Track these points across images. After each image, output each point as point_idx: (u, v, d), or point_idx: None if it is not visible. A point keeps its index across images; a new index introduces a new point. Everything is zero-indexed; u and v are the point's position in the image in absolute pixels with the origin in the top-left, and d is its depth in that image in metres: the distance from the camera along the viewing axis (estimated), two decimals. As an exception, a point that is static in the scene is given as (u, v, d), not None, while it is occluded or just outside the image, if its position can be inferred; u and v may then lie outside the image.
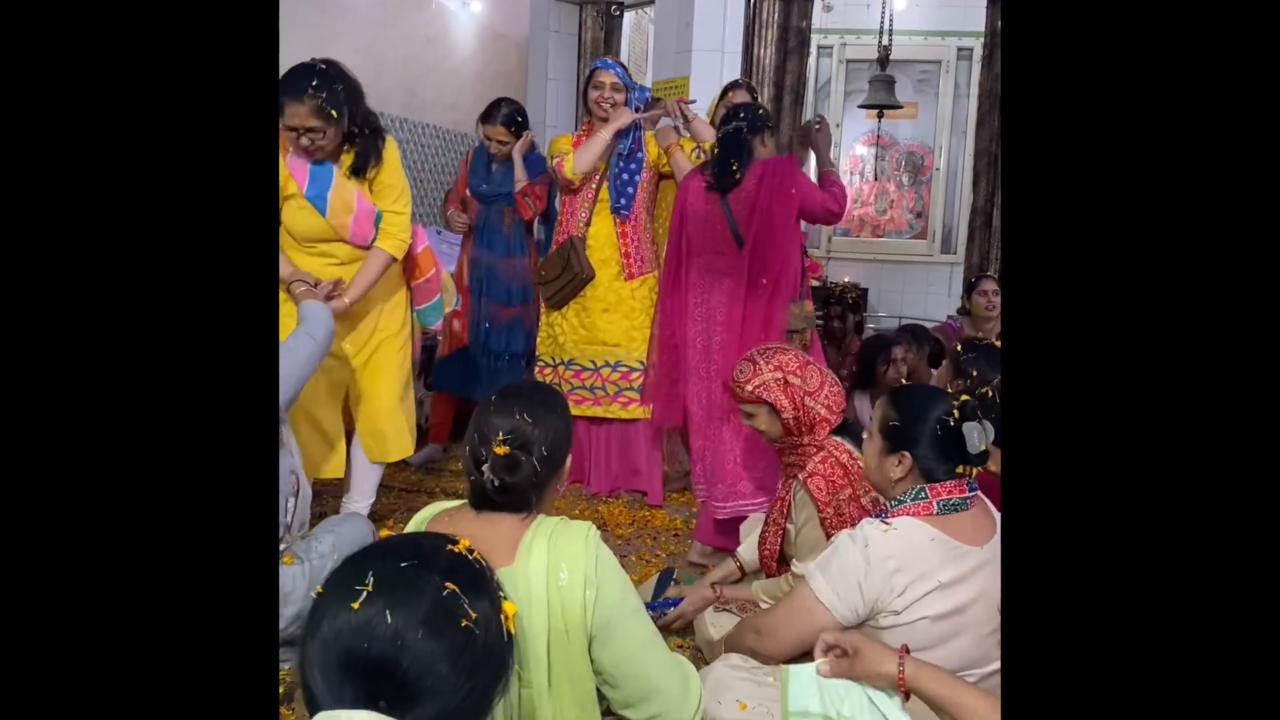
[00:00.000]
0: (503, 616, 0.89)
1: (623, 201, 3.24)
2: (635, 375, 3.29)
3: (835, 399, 2.10)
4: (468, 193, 3.68)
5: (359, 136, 2.43)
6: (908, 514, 1.58)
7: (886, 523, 1.57)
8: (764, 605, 2.00)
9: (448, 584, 0.86)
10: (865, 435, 1.78)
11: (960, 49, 6.09)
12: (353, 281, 2.49)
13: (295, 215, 2.44)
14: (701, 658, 2.15)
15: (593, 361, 3.31)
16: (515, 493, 1.38)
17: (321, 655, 0.82)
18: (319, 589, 0.89)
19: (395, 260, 2.54)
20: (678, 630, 2.32)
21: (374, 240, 2.51)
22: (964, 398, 1.68)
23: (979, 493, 1.64)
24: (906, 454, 1.63)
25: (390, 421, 2.69)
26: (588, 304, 3.28)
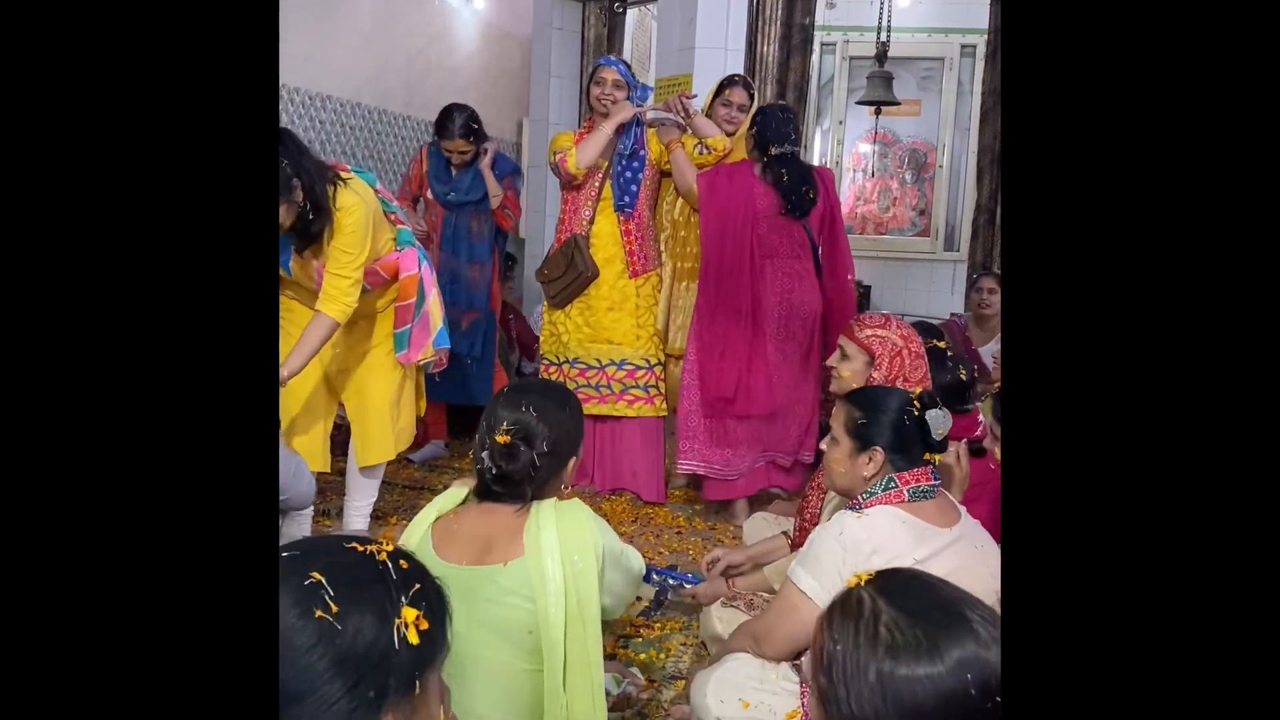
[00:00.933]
0: (399, 624, 0.84)
1: (626, 199, 3.24)
2: (641, 373, 3.30)
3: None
4: (429, 195, 3.58)
5: (309, 213, 2.26)
6: (880, 503, 1.63)
7: (860, 512, 1.62)
8: (777, 588, 2.01)
9: (315, 574, 0.83)
10: (824, 445, 1.80)
11: (964, 46, 6.08)
12: (293, 350, 2.34)
13: None
14: (706, 653, 2.16)
15: (598, 360, 3.31)
16: (511, 483, 1.43)
17: None
18: None
19: (338, 325, 2.39)
20: (683, 623, 2.33)
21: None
22: (918, 390, 1.76)
23: (941, 483, 1.72)
24: (878, 449, 1.67)
25: (376, 424, 2.68)
26: (592, 302, 3.28)
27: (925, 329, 3.88)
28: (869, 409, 1.71)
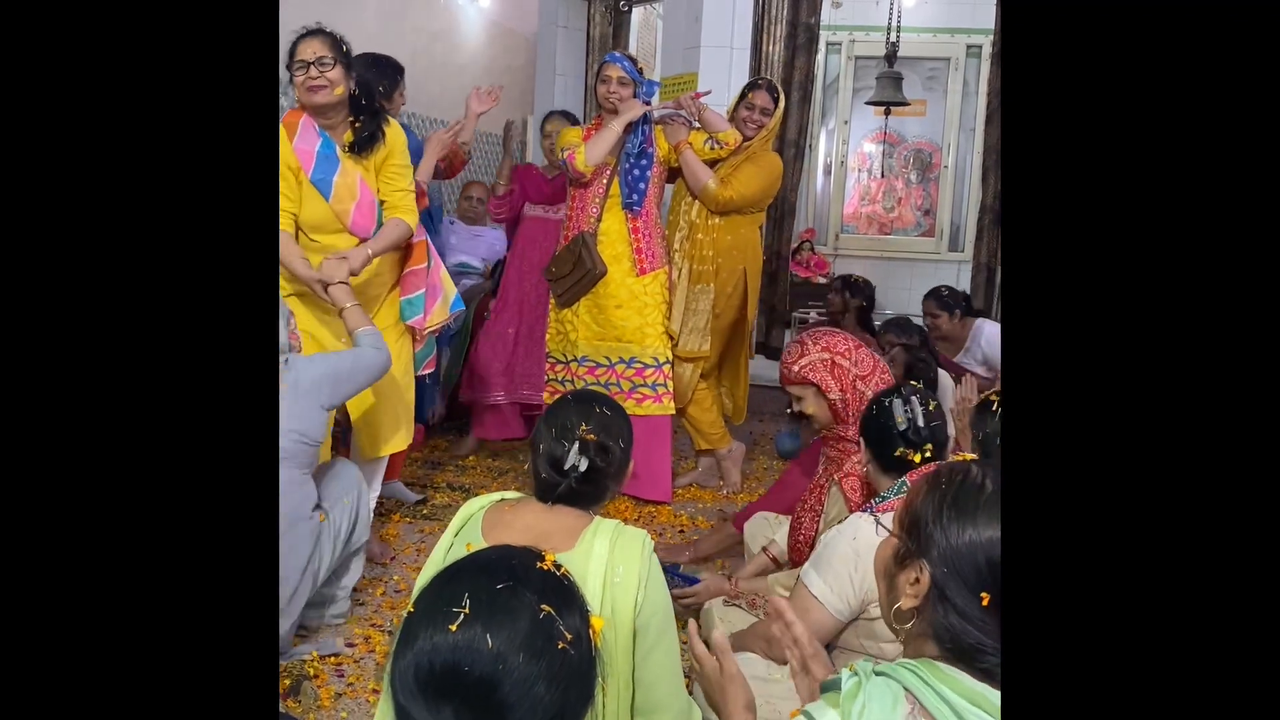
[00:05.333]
0: (590, 631, 0.90)
1: (635, 197, 3.23)
2: (650, 371, 3.29)
3: (885, 386, 2.09)
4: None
5: (361, 109, 2.47)
6: (893, 507, 1.60)
7: (874, 516, 1.59)
8: (778, 598, 2.00)
9: (544, 605, 0.87)
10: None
11: (969, 46, 6.07)
12: (374, 238, 2.51)
13: (303, 199, 2.46)
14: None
15: (606, 358, 3.30)
16: (598, 481, 1.43)
17: (417, 674, 0.83)
18: (410, 607, 0.89)
19: (412, 232, 2.60)
20: (684, 621, 2.32)
21: (375, 230, 2.54)
22: (915, 384, 1.79)
23: None
24: (861, 441, 1.73)
25: (386, 414, 2.67)
26: (600, 300, 3.27)
27: (900, 325, 3.88)
28: (869, 407, 1.75)
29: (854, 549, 1.57)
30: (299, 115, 2.46)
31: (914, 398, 1.70)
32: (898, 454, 1.67)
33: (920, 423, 1.68)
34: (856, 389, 2.06)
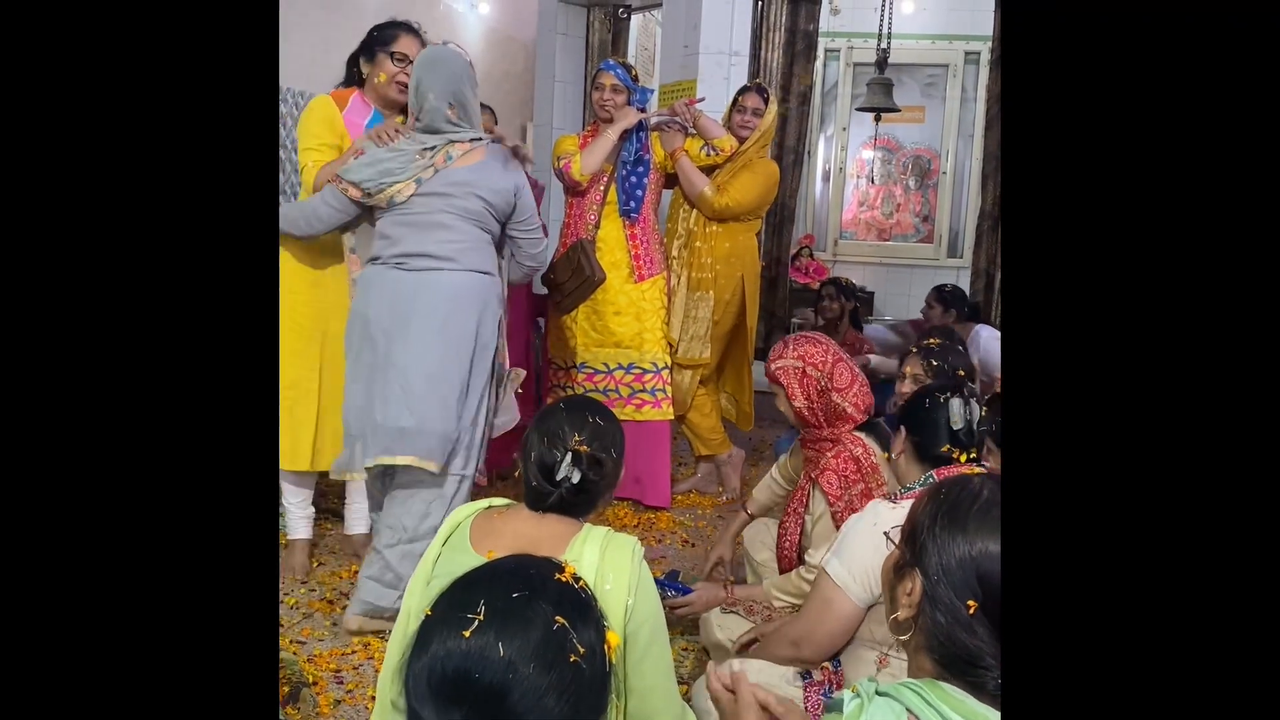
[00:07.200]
0: (606, 646, 0.90)
1: (632, 204, 3.24)
2: (649, 377, 3.29)
3: (864, 399, 2.10)
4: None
5: None
6: (916, 498, 1.60)
7: (895, 503, 1.59)
8: (777, 603, 2.00)
9: (558, 617, 0.86)
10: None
11: (968, 53, 6.08)
12: None
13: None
14: (708, 659, 2.15)
15: (605, 364, 3.30)
16: (591, 493, 1.42)
17: (429, 678, 0.83)
18: (428, 611, 0.89)
19: None
20: (683, 627, 2.32)
21: None
22: (969, 383, 1.81)
23: None
24: (903, 429, 1.72)
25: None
26: (599, 307, 3.28)
27: (836, 283, 3.90)
28: (913, 396, 1.77)
29: (874, 534, 1.54)
30: (350, 92, 2.59)
31: (972, 400, 1.71)
32: (943, 450, 1.67)
33: (975, 425, 1.69)
34: (832, 400, 2.07)
